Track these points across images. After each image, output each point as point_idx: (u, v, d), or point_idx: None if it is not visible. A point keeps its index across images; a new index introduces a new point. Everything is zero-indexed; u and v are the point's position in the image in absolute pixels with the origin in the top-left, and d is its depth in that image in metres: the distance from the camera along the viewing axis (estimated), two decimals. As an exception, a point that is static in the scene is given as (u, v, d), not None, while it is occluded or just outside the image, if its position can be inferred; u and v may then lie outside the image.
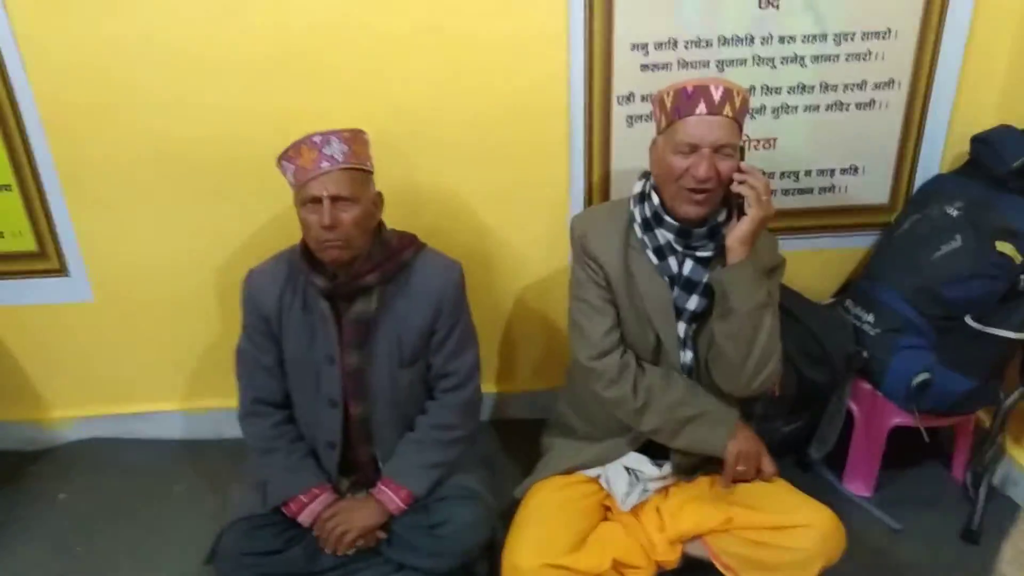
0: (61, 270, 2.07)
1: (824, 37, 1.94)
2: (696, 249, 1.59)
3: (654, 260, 1.62)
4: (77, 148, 1.93)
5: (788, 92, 1.99)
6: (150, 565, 1.89)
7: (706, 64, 1.95)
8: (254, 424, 1.79)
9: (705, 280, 1.59)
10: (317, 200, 1.56)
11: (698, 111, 1.48)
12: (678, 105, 1.50)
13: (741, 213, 1.52)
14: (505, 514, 1.71)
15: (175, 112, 1.90)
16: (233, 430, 2.23)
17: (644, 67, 1.94)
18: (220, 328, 2.17)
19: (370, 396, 1.72)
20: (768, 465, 1.65)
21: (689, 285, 1.60)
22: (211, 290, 2.12)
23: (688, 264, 1.60)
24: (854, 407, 1.98)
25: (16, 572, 1.87)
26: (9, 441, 2.27)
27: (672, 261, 1.61)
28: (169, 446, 2.28)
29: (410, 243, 1.73)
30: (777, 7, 1.91)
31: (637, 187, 1.65)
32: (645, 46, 1.92)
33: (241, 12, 1.82)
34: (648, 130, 1.96)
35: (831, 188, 2.12)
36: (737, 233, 1.51)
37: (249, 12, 1.82)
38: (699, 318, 1.62)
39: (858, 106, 2.01)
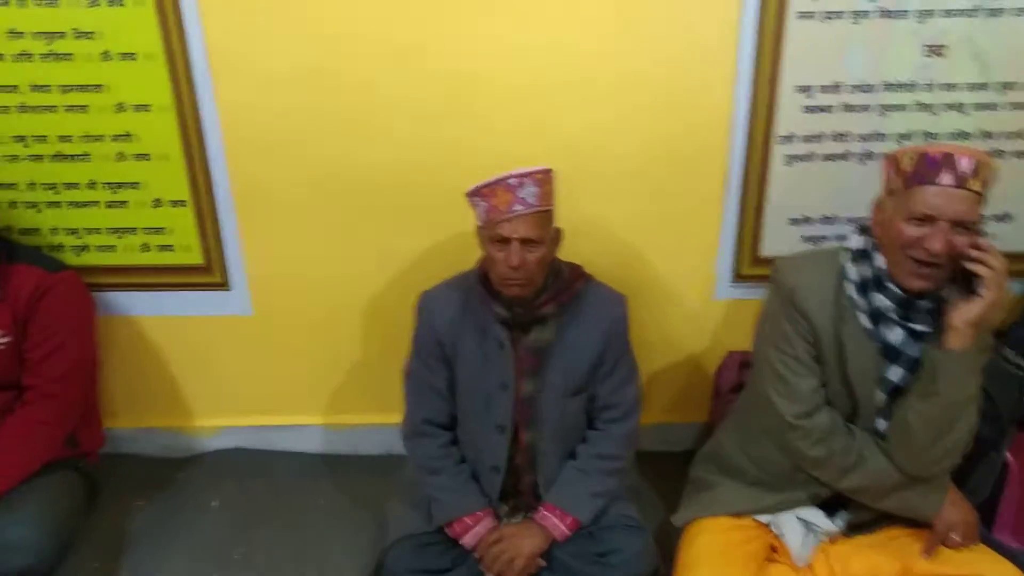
0: (224, 284, 2.14)
1: (987, 86, 1.96)
2: (913, 320, 1.50)
3: (867, 324, 1.53)
4: (253, 169, 2.01)
5: (948, 138, 2.01)
6: (306, 572, 1.93)
7: (866, 108, 1.97)
8: (421, 444, 1.84)
9: (916, 355, 1.51)
10: (506, 241, 1.61)
11: (942, 181, 1.39)
12: (920, 171, 1.41)
13: (971, 291, 1.42)
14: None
15: (352, 140, 1.97)
16: (368, 446, 2.36)
17: (807, 109, 1.97)
18: (365, 348, 2.23)
19: (539, 423, 1.76)
20: (976, 534, 1.61)
21: (896, 355, 1.52)
22: (364, 310, 2.18)
23: (899, 333, 1.51)
24: (1010, 458, 1.97)
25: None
26: (157, 447, 2.35)
27: (884, 328, 1.52)
28: (309, 459, 2.33)
29: (580, 274, 1.77)
30: (942, 55, 1.94)
31: (855, 242, 1.56)
32: (809, 88, 1.95)
33: (422, 52, 1.89)
34: (807, 171, 2.02)
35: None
36: (966, 315, 1.41)
37: (429, 52, 1.89)
38: (899, 391, 1.54)
39: (1017, 154, 2.02)
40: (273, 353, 2.24)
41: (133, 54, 1.89)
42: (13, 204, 2.06)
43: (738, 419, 1.85)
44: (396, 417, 2.21)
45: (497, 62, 1.91)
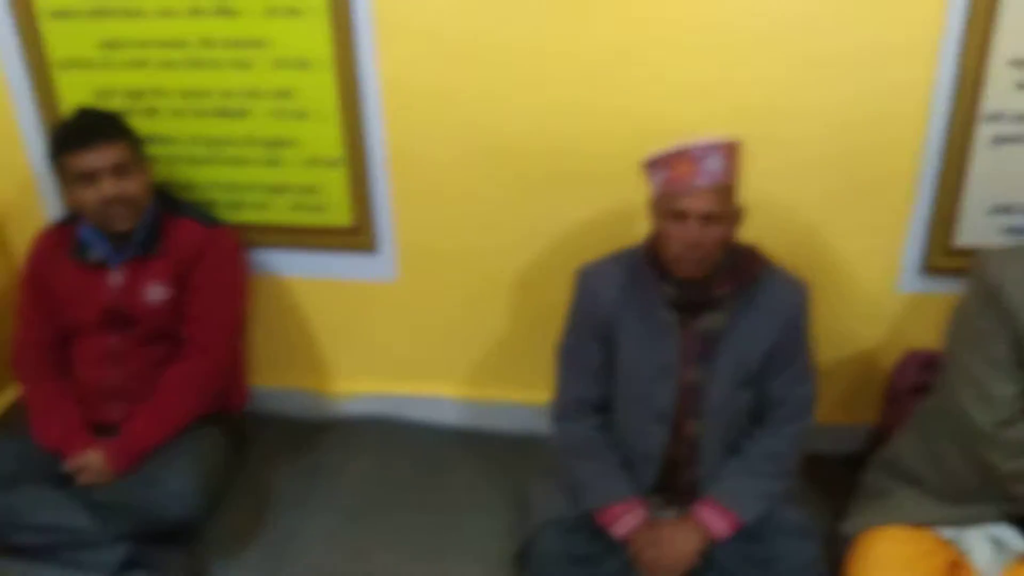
0: (371, 247, 2.12)
1: None
2: None
3: None
4: (410, 134, 1.97)
5: None
6: (445, 549, 1.90)
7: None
8: (572, 426, 1.75)
9: None
10: (684, 215, 1.49)
11: None
12: None
13: None
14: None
15: (512, 105, 1.90)
16: (507, 423, 2.29)
17: (1021, 86, 1.75)
18: (512, 322, 2.17)
19: (704, 414, 1.64)
20: None
21: None
22: (512, 283, 2.11)
23: None
24: None
25: (316, 537, 1.94)
26: (297, 407, 2.36)
27: None
28: (445, 431, 2.30)
29: (758, 258, 1.63)
30: None
31: None
32: (1026, 63, 1.73)
33: (589, 14, 1.79)
34: (1016, 154, 1.79)
35: None
36: None
37: (598, 14, 1.78)
38: None
39: None
40: (415, 321, 2.21)
41: (296, 9, 1.87)
42: (175, 159, 2.09)
43: (921, 425, 1.68)
44: (537, 395, 2.17)
45: (667, 24, 1.78)
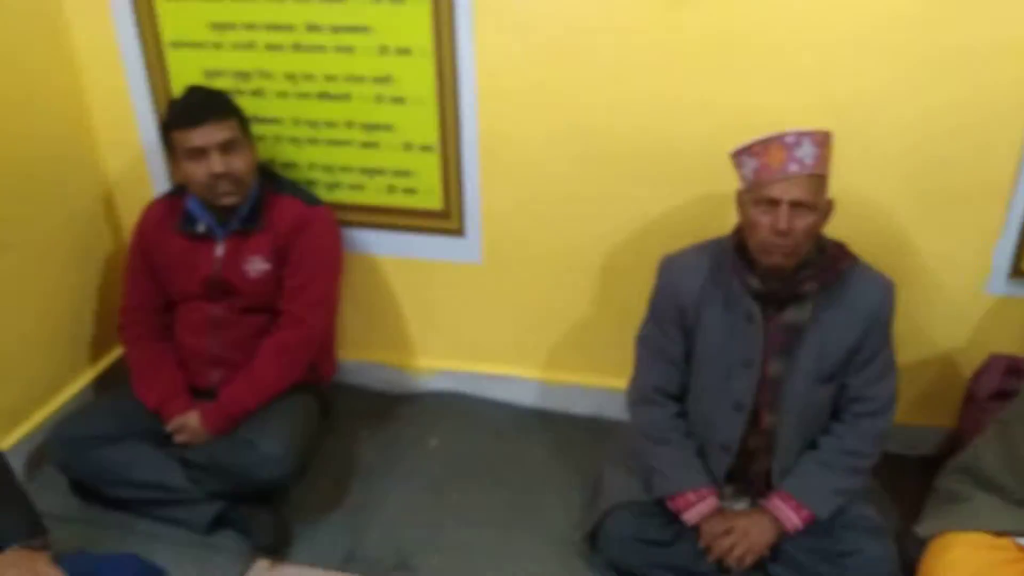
0: (459, 231, 2.18)
1: None
2: None
3: None
4: (501, 119, 2.01)
5: None
6: (517, 526, 1.95)
7: None
8: (649, 412, 1.79)
9: None
10: (774, 203, 1.50)
11: None
12: None
13: None
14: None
15: (603, 94, 1.92)
16: (581, 406, 2.33)
17: None
18: (592, 308, 2.20)
19: (783, 407, 1.65)
20: None
21: None
22: (592, 271, 2.15)
23: None
24: None
25: (394, 507, 2.01)
26: (379, 382, 2.45)
27: None
28: (521, 411, 2.35)
29: (846, 253, 1.63)
30: None
31: None
32: None
33: (681, 4, 1.79)
34: None
35: None
36: None
37: (691, 3, 1.79)
38: None
39: None
40: (497, 303, 2.26)
41: (401, -4, 1.94)
42: (278, 139, 2.18)
43: (1004, 432, 1.65)
44: (610, 380, 2.23)
45: (765, 17, 1.78)
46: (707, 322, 1.68)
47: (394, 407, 2.39)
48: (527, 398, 2.37)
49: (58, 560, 1.43)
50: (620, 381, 2.16)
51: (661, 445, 1.75)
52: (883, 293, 1.63)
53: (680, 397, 1.78)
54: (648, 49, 1.86)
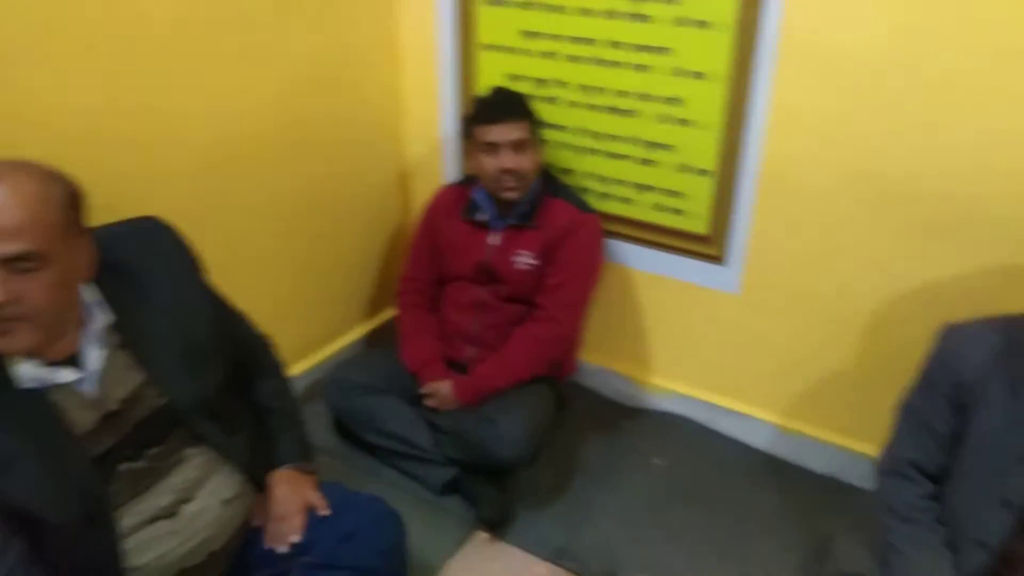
0: (720, 259, 2.16)
1: None
2: None
3: None
4: (785, 157, 1.97)
5: None
6: (728, 562, 1.91)
7: None
8: (900, 485, 1.65)
9: None
10: None
11: None
12: None
13: None
14: None
15: (901, 145, 1.81)
16: (814, 461, 2.21)
17: None
18: (849, 364, 2.08)
19: (1064, 517, 1.47)
20: None
21: None
22: (856, 325, 2.03)
23: None
24: None
25: (613, 519, 2.04)
26: (611, 390, 2.51)
27: None
28: (750, 452, 2.29)
29: None
30: None
31: None
32: None
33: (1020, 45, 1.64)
34: None
35: None
36: None
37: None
38: None
39: None
40: (748, 337, 2.21)
41: (707, 22, 1.95)
42: (561, 145, 2.30)
43: None
44: (851, 441, 2.12)
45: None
46: (989, 404, 1.51)
47: (623, 417, 2.43)
48: (757, 439, 2.30)
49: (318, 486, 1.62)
50: (863, 445, 2.04)
51: (907, 524, 1.61)
52: None
53: (937, 479, 1.63)
54: (972, 91, 1.71)
